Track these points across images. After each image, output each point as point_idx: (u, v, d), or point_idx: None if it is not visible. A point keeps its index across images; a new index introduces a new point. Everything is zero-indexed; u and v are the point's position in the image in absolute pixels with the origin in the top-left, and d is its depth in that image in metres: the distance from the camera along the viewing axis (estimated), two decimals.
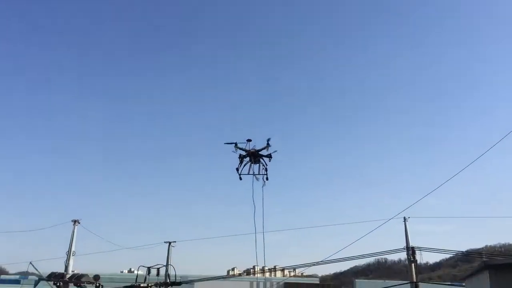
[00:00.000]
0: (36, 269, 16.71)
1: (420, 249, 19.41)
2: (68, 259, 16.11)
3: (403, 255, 20.22)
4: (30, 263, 16.46)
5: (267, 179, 14.51)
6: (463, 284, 11.63)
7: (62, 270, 16.59)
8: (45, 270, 17.13)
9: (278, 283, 72.03)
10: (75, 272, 16.81)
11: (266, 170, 14.38)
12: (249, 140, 14.37)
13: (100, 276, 17.78)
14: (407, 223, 20.71)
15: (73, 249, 16.39)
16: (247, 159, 14.38)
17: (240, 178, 14.23)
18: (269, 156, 14.38)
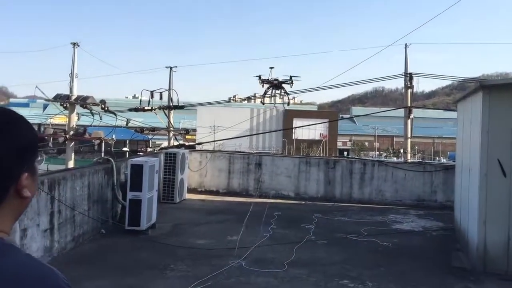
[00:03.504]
0: (43, 92, 17.08)
1: (417, 75, 19.60)
2: (71, 81, 16.36)
3: (400, 84, 20.66)
4: (36, 86, 16.75)
5: (288, 104, 17.21)
6: (456, 109, 12.06)
7: (67, 93, 16.98)
8: (51, 94, 17.54)
9: (277, 110, 74.87)
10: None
11: (287, 95, 16.84)
12: (271, 68, 16.58)
13: (106, 101, 18.30)
14: (407, 49, 20.54)
15: (75, 72, 16.53)
16: (270, 89, 16.88)
17: (263, 104, 17.20)
18: (291, 82, 16.43)
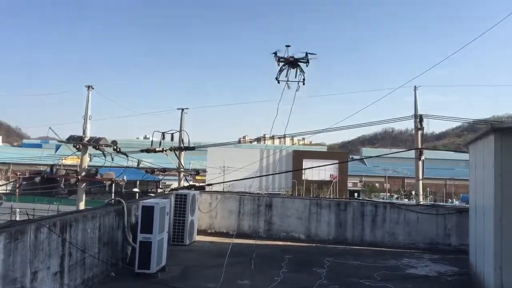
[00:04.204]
0: (56, 134, 17.39)
1: (428, 116, 19.67)
2: (85, 123, 16.67)
3: (410, 125, 20.69)
4: (50, 128, 17.09)
5: (303, 84, 15.02)
6: (467, 151, 12.01)
7: (80, 135, 17.25)
8: (64, 135, 17.86)
9: (287, 150, 75.06)
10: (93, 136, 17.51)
11: (303, 75, 14.90)
12: (287, 46, 14.84)
13: (118, 142, 18.54)
14: (417, 92, 20.73)
15: (89, 113, 16.87)
16: (286, 66, 14.92)
17: (278, 82, 14.97)
18: (307, 61, 14.74)
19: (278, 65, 15.60)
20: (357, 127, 21.08)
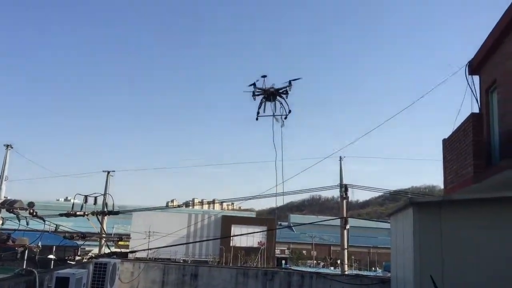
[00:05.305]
0: None
1: (353, 186, 20.44)
2: (0, 184, 15.58)
3: (336, 193, 21.28)
4: None
5: (286, 117, 14.00)
6: (389, 220, 12.54)
7: None
8: None
9: (215, 215, 74.14)
10: (8, 198, 16.36)
11: (288, 107, 13.92)
12: (264, 76, 13.86)
13: (35, 204, 17.41)
14: (342, 162, 21.66)
15: (5, 174, 15.82)
16: (265, 98, 13.97)
17: (257, 119, 13.95)
18: (285, 92, 13.74)
19: (254, 99, 13.79)
20: (285, 195, 21.36)
